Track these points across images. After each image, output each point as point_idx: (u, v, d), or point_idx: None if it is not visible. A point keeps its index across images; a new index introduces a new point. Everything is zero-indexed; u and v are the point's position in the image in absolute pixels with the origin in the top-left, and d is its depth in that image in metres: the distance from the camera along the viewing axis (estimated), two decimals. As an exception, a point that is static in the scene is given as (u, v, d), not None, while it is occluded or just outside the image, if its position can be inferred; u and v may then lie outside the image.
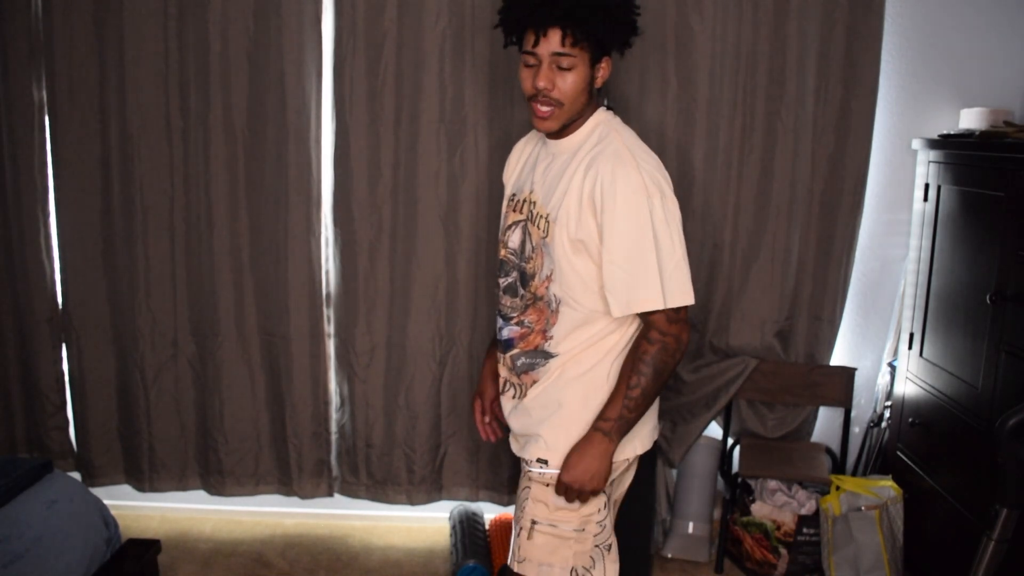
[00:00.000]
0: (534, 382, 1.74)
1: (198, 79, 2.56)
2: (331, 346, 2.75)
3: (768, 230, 2.63)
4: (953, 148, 2.37)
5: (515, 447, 1.82)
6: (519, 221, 1.72)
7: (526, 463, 1.75)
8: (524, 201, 1.72)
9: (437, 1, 2.47)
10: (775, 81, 2.54)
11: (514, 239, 1.73)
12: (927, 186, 2.49)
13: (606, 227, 1.57)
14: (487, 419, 1.98)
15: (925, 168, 2.52)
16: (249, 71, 2.56)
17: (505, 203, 1.84)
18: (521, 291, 1.72)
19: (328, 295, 2.72)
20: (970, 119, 2.51)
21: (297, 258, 2.65)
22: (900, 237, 2.72)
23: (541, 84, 1.57)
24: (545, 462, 1.70)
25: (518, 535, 1.73)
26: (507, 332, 1.77)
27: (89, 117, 2.61)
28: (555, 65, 1.56)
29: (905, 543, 2.52)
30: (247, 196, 2.64)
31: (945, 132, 2.52)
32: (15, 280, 2.72)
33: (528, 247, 1.69)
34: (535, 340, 1.73)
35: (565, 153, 1.68)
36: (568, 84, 1.57)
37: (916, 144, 2.59)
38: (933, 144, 2.49)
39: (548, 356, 1.71)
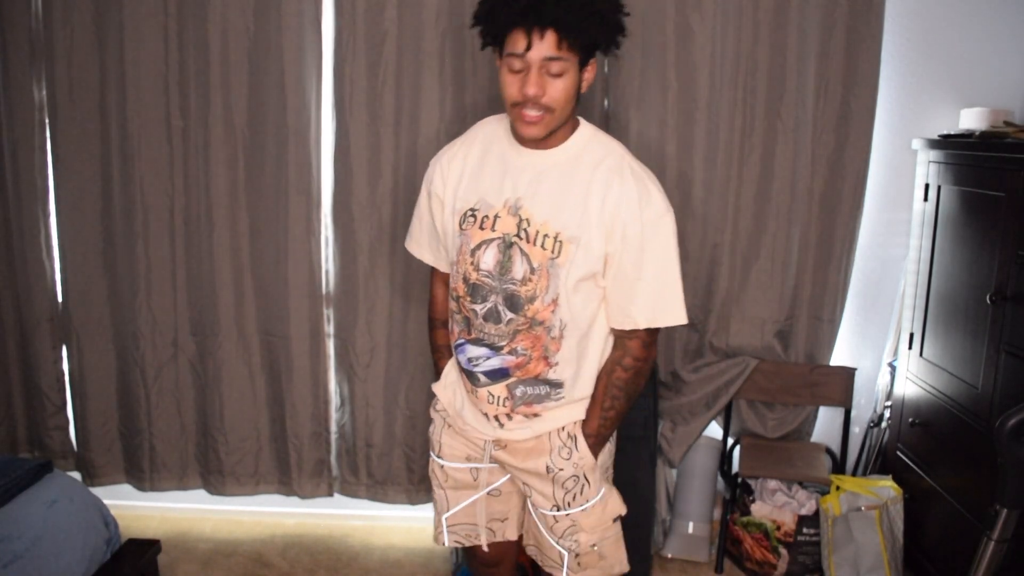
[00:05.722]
0: (535, 415, 1.68)
1: (198, 79, 2.56)
2: (331, 346, 2.75)
3: (768, 230, 2.63)
4: (953, 148, 2.37)
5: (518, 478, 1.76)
6: (491, 239, 1.59)
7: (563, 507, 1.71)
8: (496, 217, 1.59)
9: (437, 1, 2.47)
10: (775, 81, 2.54)
11: (488, 260, 1.59)
12: (927, 186, 2.49)
13: (632, 244, 1.56)
14: None
15: (925, 168, 2.52)
16: (249, 71, 2.56)
17: (452, 217, 1.65)
18: (509, 316, 1.59)
19: (328, 295, 2.72)
20: (970, 119, 2.51)
21: (297, 258, 2.65)
22: (900, 237, 2.72)
23: (532, 91, 1.47)
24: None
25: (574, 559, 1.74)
26: (497, 362, 1.63)
27: (89, 117, 2.61)
28: (545, 71, 1.47)
29: (905, 543, 2.52)
30: (247, 196, 2.64)
31: (945, 132, 2.52)
32: (15, 280, 2.73)
33: (522, 268, 1.57)
34: (536, 368, 1.63)
35: (561, 165, 1.59)
36: (559, 90, 1.49)
37: (916, 144, 2.59)
38: (933, 144, 2.49)
39: (554, 385, 1.65)
